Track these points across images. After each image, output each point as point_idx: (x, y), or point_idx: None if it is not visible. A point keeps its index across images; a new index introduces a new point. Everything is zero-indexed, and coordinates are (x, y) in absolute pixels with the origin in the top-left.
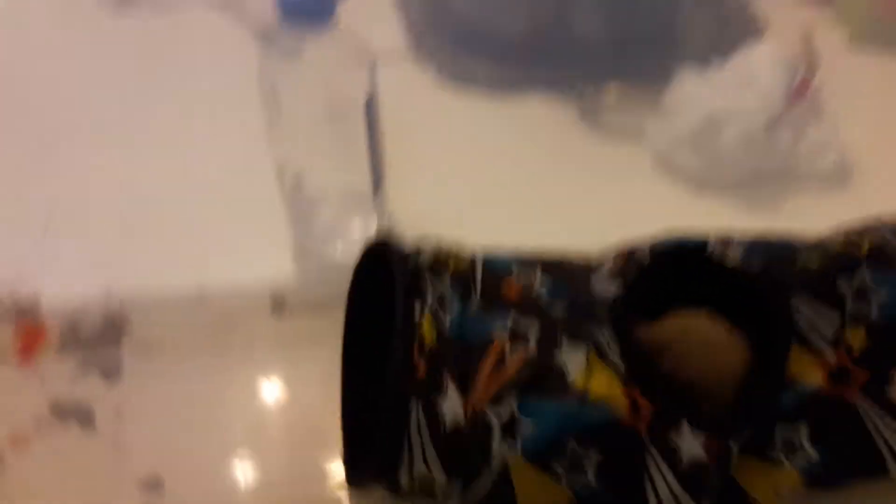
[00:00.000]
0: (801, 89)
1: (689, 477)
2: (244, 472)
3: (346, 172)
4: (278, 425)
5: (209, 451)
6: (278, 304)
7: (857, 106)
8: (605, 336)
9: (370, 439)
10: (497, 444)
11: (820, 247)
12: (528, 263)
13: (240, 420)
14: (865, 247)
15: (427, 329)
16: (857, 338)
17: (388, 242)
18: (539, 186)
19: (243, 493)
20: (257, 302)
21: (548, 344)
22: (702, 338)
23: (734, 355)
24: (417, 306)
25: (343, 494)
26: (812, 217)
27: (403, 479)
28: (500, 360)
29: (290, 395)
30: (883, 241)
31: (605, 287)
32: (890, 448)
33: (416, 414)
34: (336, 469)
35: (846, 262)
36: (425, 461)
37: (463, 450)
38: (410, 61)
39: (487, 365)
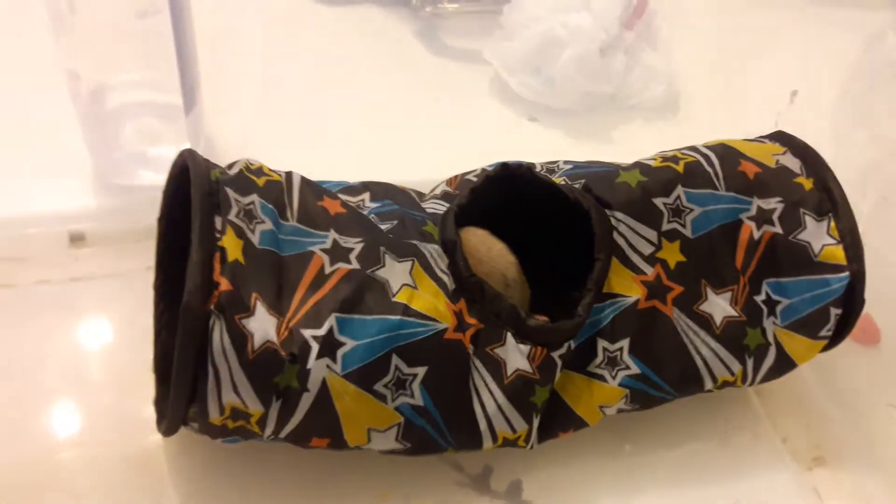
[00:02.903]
0: (637, 12)
1: (516, 390)
2: (52, 425)
3: (153, 87)
4: (86, 370)
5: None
6: (77, 238)
7: (687, 34)
8: (432, 251)
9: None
10: (315, 364)
11: (638, 165)
12: (355, 188)
13: (40, 367)
14: (681, 166)
15: (230, 242)
16: (672, 254)
17: (192, 158)
18: (370, 109)
19: (49, 452)
20: (53, 235)
21: (371, 259)
22: (486, 253)
23: (512, 268)
24: (218, 221)
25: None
26: (639, 145)
27: (213, 412)
28: (319, 276)
29: (97, 336)
30: (697, 161)
31: (436, 208)
32: (704, 361)
33: (220, 335)
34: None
35: (663, 181)
36: (234, 388)
37: (276, 372)
38: None
39: (305, 281)
